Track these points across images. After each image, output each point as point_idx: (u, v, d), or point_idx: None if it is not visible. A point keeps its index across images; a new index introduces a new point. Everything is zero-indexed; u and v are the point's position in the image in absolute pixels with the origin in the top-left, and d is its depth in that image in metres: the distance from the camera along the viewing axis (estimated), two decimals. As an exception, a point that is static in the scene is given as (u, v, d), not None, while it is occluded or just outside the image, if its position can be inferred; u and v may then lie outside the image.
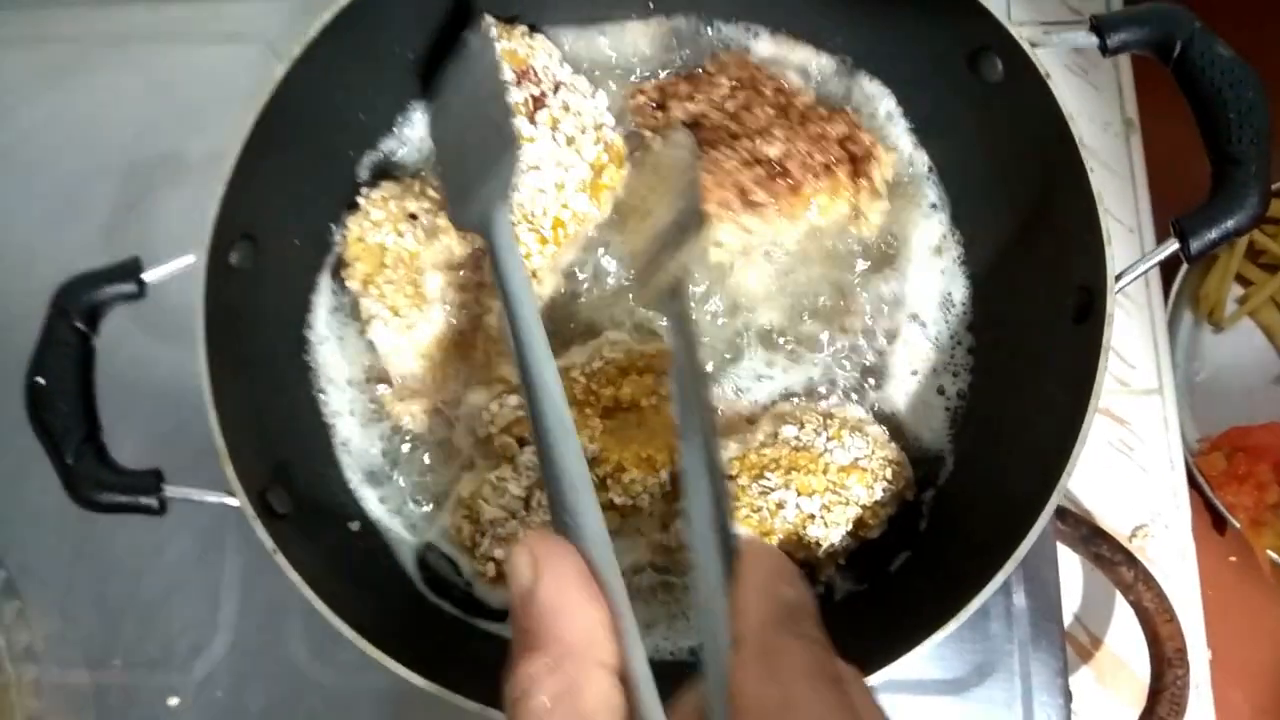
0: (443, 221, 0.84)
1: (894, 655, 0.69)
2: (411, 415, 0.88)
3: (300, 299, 0.89)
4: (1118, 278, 0.73)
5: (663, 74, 0.95)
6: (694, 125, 0.90)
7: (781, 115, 0.88)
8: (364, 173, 0.92)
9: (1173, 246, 0.72)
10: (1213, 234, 0.71)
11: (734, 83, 0.90)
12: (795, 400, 0.88)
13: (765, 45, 0.95)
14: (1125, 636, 1.11)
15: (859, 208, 0.88)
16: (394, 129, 0.93)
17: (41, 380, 0.73)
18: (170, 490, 0.73)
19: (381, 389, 0.89)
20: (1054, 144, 0.76)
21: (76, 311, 0.75)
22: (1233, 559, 1.20)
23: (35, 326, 0.97)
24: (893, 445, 0.85)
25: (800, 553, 0.82)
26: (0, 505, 0.96)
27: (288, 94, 0.81)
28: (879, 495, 0.82)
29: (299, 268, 0.89)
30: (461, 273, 0.85)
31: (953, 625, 0.68)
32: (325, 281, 0.91)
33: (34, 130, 1.08)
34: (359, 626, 0.71)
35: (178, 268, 0.78)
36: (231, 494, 0.74)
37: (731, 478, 0.81)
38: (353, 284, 0.86)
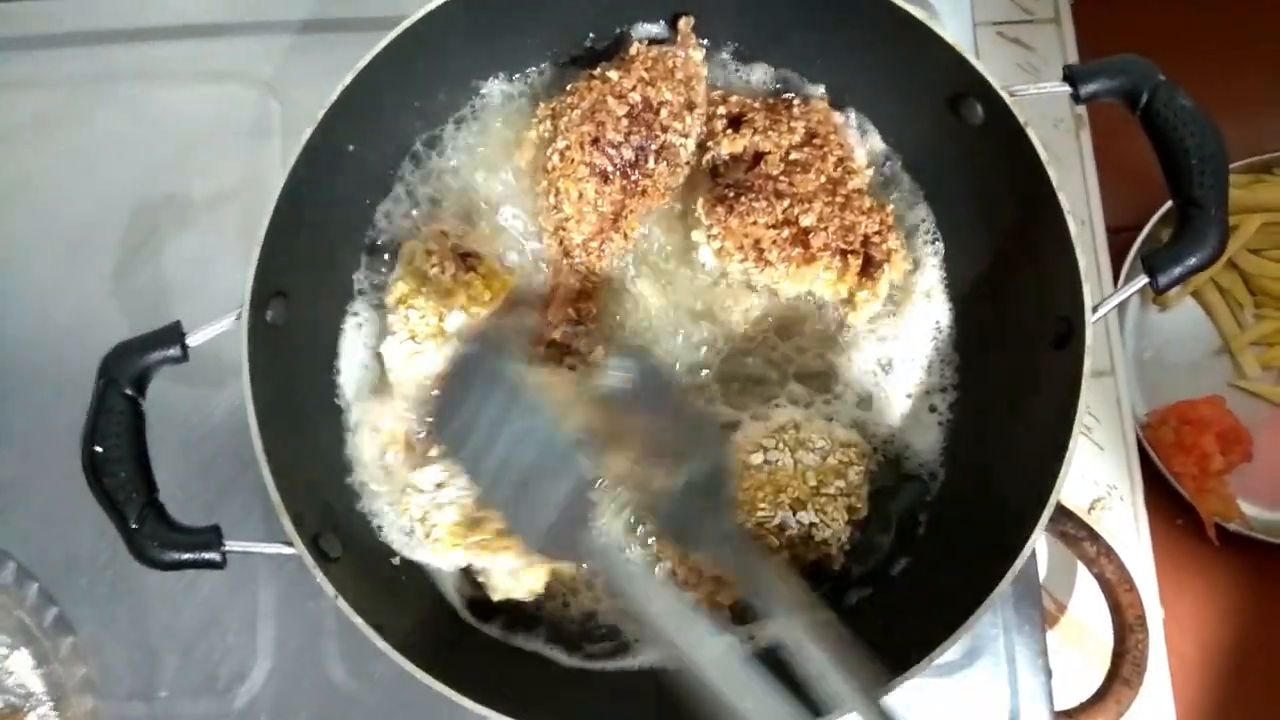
0: (484, 269, 0.91)
1: (909, 664, 0.76)
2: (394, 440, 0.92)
3: (329, 346, 0.94)
4: (1094, 309, 0.80)
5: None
6: (753, 159, 0.93)
7: (829, 190, 0.91)
8: (381, 219, 0.96)
9: (1142, 281, 0.80)
10: (1178, 270, 0.78)
11: (808, 133, 0.93)
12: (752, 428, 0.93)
13: (760, 73, 1.00)
14: (1087, 603, 1.21)
15: (854, 299, 0.93)
16: (403, 174, 0.98)
17: (99, 449, 0.76)
18: (231, 544, 0.77)
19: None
20: (1032, 187, 0.83)
21: (125, 379, 0.78)
22: (1179, 522, 1.31)
23: (54, 372, 1.03)
24: (840, 428, 0.92)
25: (812, 554, 0.89)
26: (42, 547, 0.99)
27: (311, 156, 0.84)
28: (854, 479, 0.89)
29: (326, 317, 0.93)
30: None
31: (962, 633, 0.76)
32: (350, 327, 0.95)
33: (36, 174, 1.09)
34: (414, 658, 0.77)
35: (219, 329, 0.81)
36: (288, 543, 0.78)
37: None
38: (390, 298, 0.92)
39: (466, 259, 0.92)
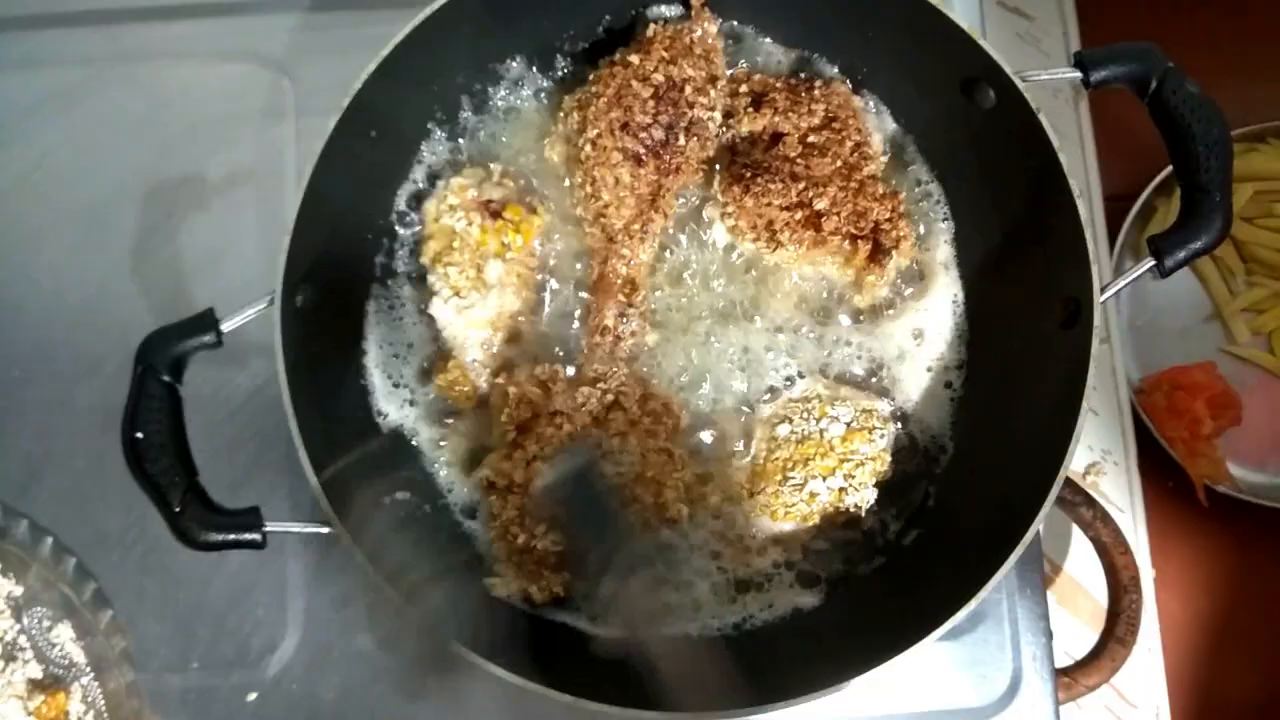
0: (510, 214, 0.93)
1: (922, 633, 0.80)
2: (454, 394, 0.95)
3: (355, 328, 0.96)
4: (1101, 290, 0.83)
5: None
6: (771, 140, 0.95)
7: (844, 175, 0.92)
8: (401, 202, 0.98)
9: (1149, 264, 0.83)
10: (1183, 254, 0.81)
11: (827, 116, 0.94)
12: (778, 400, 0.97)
13: (776, 52, 1.02)
14: (1082, 564, 1.25)
15: (860, 281, 0.95)
16: (420, 158, 0.99)
17: (140, 435, 0.78)
18: (271, 525, 0.80)
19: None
20: (1043, 171, 0.85)
21: (163, 365, 0.80)
22: (1170, 485, 1.35)
23: (73, 352, 1.04)
24: (858, 393, 0.95)
25: (841, 519, 0.93)
26: (69, 524, 1.00)
27: (335, 144, 0.85)
28: (881, 443, 0.92)
29: (352, 300, 0.95)
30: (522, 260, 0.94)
31: (973, 603, 0.79)
32: (374, 309, 0.97)
33: (50, 154, 1.09)
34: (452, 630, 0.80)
35: (251, 315, 0.83)
36: (325, 523, 0.81)
37: (757, 492, 0.92)
38: (424, 259, 0.94)
39: (490, 205, 0.93)
